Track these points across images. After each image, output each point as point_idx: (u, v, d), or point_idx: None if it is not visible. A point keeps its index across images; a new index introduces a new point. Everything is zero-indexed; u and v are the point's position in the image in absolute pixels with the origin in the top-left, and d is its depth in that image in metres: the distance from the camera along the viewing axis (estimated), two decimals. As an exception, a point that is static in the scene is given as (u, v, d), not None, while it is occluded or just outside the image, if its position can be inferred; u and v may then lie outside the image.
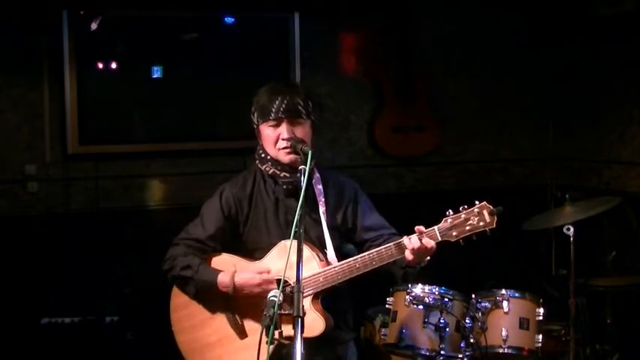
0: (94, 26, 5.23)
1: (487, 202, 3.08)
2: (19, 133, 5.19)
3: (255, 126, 3.29)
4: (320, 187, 3.31)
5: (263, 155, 3.29)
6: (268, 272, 3.17)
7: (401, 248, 3.08)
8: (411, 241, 3.05)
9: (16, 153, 5.18)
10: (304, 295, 3.04)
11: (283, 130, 3.18)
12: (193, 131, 5.50)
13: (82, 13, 5.19)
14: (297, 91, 3.22)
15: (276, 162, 3.24)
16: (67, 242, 5.18)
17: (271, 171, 3.27)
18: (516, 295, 4.19)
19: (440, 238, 3.06)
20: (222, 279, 3.22)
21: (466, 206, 3.07)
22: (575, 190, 4.99)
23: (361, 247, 3.32)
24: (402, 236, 3.13)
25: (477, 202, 3.08)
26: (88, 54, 5.24)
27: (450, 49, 5.96)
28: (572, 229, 4.25)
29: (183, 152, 5.51)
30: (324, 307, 3.19)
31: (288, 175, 3.23)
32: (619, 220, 5.29)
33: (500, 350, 4.08)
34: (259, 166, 3.32)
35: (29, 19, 5.12)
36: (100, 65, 5.32)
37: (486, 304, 4.16)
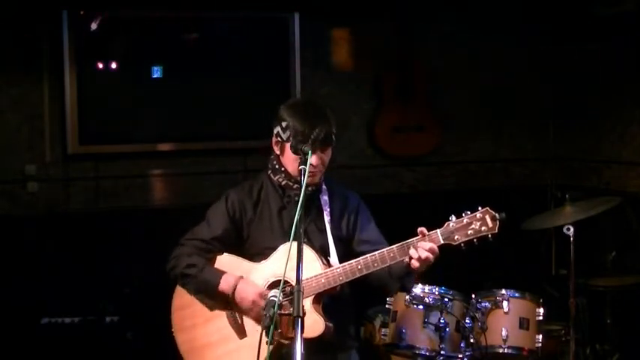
0: (94, 26, 5.23)
1: (489, 208, 3.12)
2: (19, 133, 5.19)
3: (278, 139, 3.27)
4: (325, 197, 3.37)
5: (277, 167, 3.33)
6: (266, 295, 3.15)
7: (403, 250, 3.12)
8: (414, 244, 3.09)
9: (16, 153, 5.18)
10: (306, 295, 3.05)
11: (313, 158, 3.19)
12: (193, 131, 5.50)
13: (82, 13, 5.19)
14: (330, 119, 3.26)
15: (290, 175, 3.29)
16: (67, 242, 5.18)
17: (284, 182, 3.32)
18: (516, 295, 4.20)
19: (442, 241, 3.11)
20: (227, 279, 3.25)
21: (469, 211, 3.12)
22: (575, 190, 4.99)
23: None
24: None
25: (479, 208, 3.12)
26: (88, 54, 5.24)
27: (450, 49, 5.96)
28: (572, 229, 4.25)
29: (183, 152, 5.51)
30: (326, 313, 3.21)
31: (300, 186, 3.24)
32: (619, 220, 5.29)
33: (500, 350, 4.09)
34: (271, 175, 3.36)
35: (29, 19, 5.12)
36: (100, 65, 5.32)
37: (486, 304, 4.16)
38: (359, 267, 3.14)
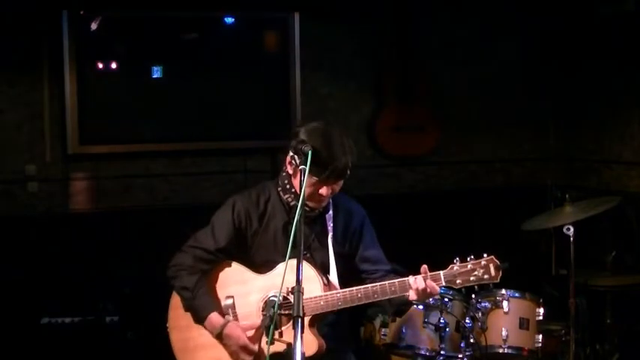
0: (94, 26, 5.23)
1: (494, 257, 3.12)
2: (19, 133, 5.19)
3: (293, 161, 3.20)
4: (330, 212, 3.35)
5: (288, 187, 3.30)
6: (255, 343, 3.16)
7: (404, 287, 3.12)
8: (416, 282, 3.10)
9: (16, 153, 5.18)
10: (304, 315, 3.04)
11: (324, 189, 3.18)
12: (193, 131, 5.50)
13: (82, 13, 5.19)
14: (347, 151, 3.17)
15: (298, 196, 3.24)
16: (67, 242, 5.18)
17: (293, 203, 3.28)
18: (516, 295, 4.19)
19: (444, 283, 3.12)
20: (213, 320, 3.23)
21: (473, 256, 3.12)
22: (575, 190, 4.99)
23: (357, 276, 3.34)
24: (401, 274, 3.20)
25: (484, 255, 3.12)
26: (88, 54, 5.24)
27: (450, 49, 5.96)
28: (572, 229, 4.24)
29: (183, 152, 5.51)
30: (322, 320, 3.22)
31: (307, 208, 3.23)
32: (619, 220, 5.29)
33: (500, 350, 4.09)
34: (280, 193, 3.33)
35: (29, 19, 5.12)
36: (100, 65, 5.33)
37: (486, 304, 4.16)
38: (359, 295, 3.14)
